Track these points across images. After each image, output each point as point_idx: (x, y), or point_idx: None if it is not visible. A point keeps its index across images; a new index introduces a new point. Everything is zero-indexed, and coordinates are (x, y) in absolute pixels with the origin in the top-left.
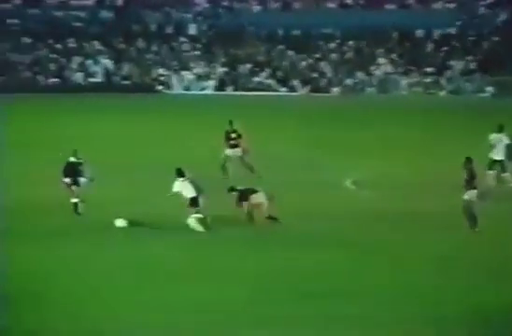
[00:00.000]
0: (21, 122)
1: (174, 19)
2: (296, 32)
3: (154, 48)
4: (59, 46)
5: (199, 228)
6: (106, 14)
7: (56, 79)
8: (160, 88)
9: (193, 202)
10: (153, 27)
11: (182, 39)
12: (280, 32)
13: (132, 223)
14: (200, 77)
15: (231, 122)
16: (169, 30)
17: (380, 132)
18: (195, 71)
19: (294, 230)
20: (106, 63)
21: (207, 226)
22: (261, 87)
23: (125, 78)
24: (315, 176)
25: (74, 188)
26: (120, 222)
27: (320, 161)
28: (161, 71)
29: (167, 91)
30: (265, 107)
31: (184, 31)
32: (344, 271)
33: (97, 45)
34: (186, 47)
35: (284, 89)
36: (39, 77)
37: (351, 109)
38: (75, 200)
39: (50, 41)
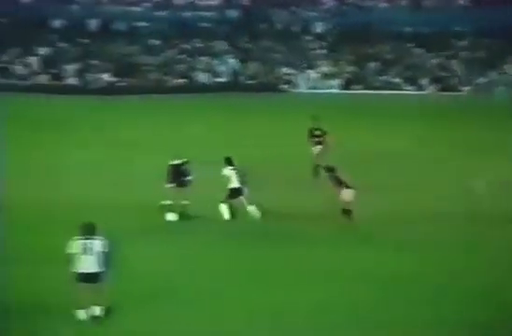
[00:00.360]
0: (150, 123)
1: (300, 17)
2: (425, 29)
3: (280, 46)
4: (186, 46)
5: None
6: (232, 13)
7: (183, 80)
8: (285, 87)
9: (234, 192)
10: (279, 26)
11: (308, 38)
12: (409, 29)
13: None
14: (326, 76)
15: (315, 118)
16: (295, 28)
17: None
18: (321, 70)
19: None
20: (232, 62)
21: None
22: (388, 86)
23: (251, 78)
24: (436, 176)
25: (179, 189)
26: (170, 216)
27: (444, 160)
28: (286, 70)
29: (293, 90)
30: (392, 106)
31: (310, 29)
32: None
33: (224, 45)
34: (312, 45)
35: (411, 87)
36: (167, 77)
37: (481, 109)
38: (168, 202)
39: (178, 42)
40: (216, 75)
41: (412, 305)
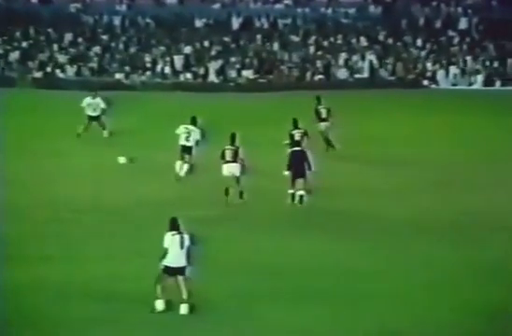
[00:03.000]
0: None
1: (443, 13)
2: None
3: (421, 42)
4: (325, 43)
5: None
6: (373, 10)
7: (321, 76)
8: (426, 83)
9: (183, 149)
10: (421, 21)
11: (451, 33)
12: None
13: None
14: (468, 72)
15: (318, 98)
16: (438, 24)
17: None
18: (463, 66)
19: None
20: (372, 58)
21: None
22: None
23: (391, 74)
24: None
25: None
26: None
27: None
28: (427, 66)
29: (434, 87)
30: None
31: (453, 25)
32: None
33: (363, 41)
34: (454, 41)
35: None
36: (307, 74)
37: None
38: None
39: (318, 39)
40: (355, 71)
41: None
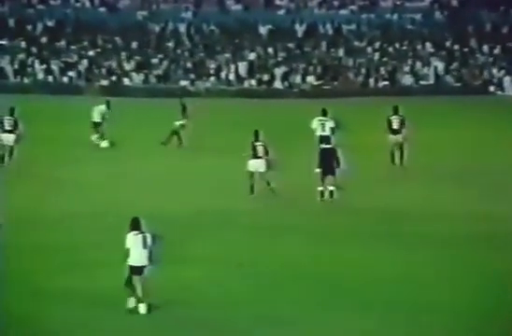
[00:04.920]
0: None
1: (511, 18)
2: None
3: (487, 48)
4: (390, 49)
5: None
6: (439, 15)
7: (386, 82)
8: (492, 89)
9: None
10: (488, 27)
11: None
12: None
13: None
14: None
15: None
16: (504, 30)
17: None
18: None
19: None
20: (438, 64)
21: None
22: None
23: (456, 80)
24: None
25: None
26: None
27: None
28: (494, 72)
29: (500, 93)
30: None
31: None
32: None
33: (429, 47)
34: None
35: None
36: (370, 80)
37: None
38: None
39: (383, 45)
40: (421, 77)
41: None
